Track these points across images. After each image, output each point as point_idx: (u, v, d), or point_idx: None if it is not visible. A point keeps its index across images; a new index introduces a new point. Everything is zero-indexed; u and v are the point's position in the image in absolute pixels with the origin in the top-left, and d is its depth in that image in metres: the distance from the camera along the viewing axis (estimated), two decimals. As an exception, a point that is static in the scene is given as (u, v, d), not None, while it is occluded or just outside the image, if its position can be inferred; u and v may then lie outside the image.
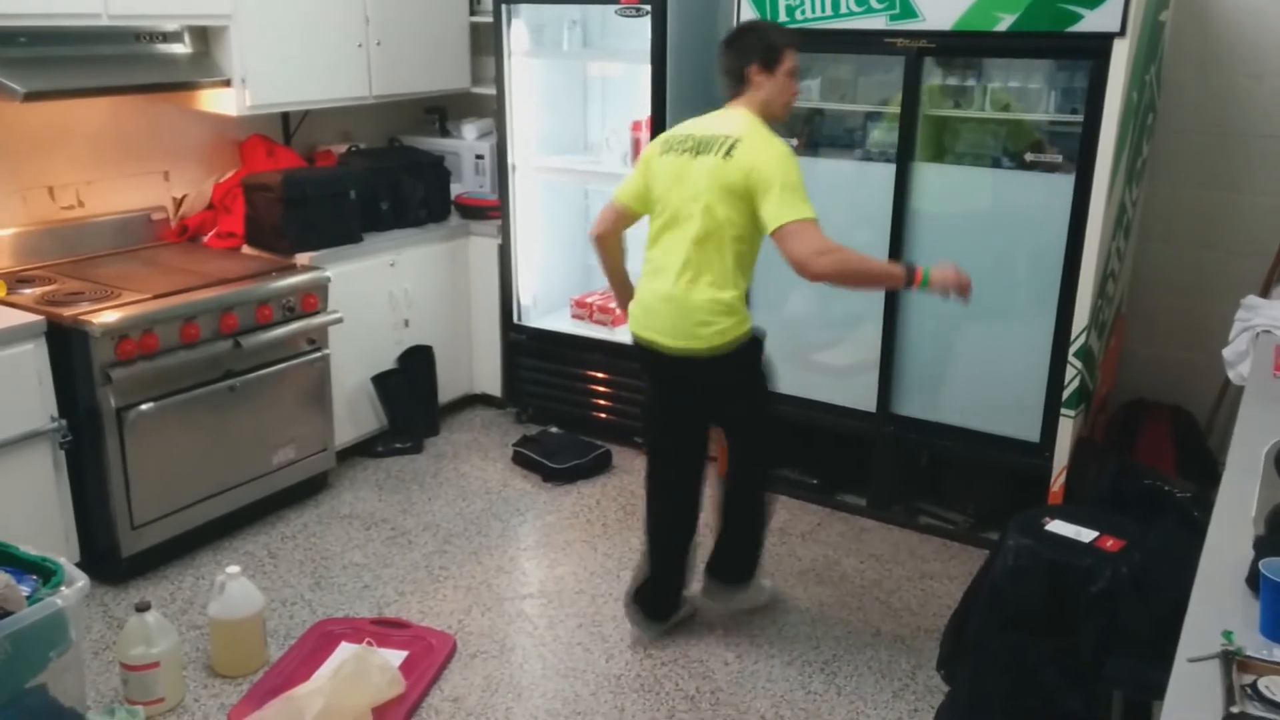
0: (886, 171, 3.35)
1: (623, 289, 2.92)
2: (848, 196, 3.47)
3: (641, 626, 2.94)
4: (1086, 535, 2.30)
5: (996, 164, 3.28)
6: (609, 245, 2.86)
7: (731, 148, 2.54)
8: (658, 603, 2.93)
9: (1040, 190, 3.19)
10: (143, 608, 2.55)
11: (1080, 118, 3.03)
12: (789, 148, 2.58)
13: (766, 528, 3.05)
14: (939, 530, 3.57)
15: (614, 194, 2.81)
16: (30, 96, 3.00)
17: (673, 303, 2.62)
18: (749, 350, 2.72)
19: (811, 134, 3.61)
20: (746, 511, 2.97)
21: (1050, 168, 3.16)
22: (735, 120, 2.63)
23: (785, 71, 2.66)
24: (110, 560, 3.09)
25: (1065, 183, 3.09)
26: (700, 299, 2.59)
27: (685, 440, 2.87)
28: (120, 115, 3.62)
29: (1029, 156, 3.20)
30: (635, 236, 2.83)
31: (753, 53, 2.65)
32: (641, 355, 2.77)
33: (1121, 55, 2.89)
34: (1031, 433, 3.30)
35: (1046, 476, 3.26)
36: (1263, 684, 1.33)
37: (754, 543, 3.02)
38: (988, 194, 3.30)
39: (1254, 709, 1.28)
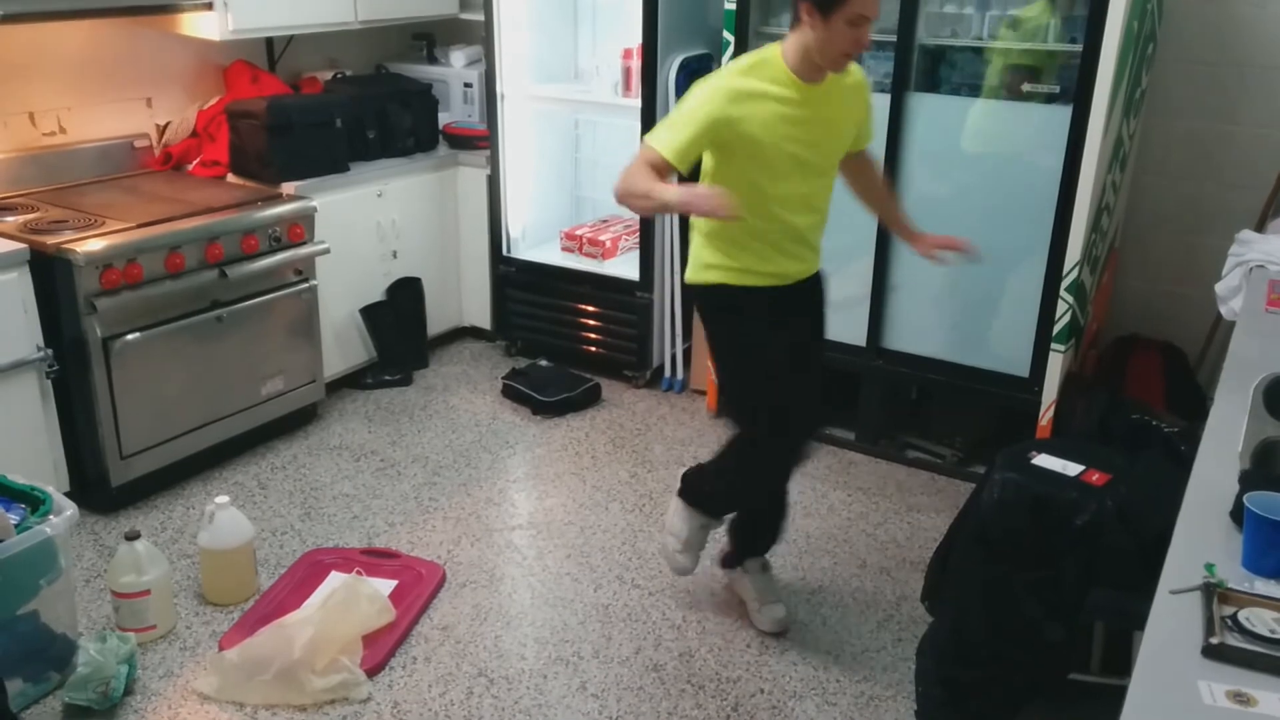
0: (880, 102, 3.29)
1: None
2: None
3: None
4: (1073, 469, 2.31)
5: (993, 95, 3.23)
6: None
7: None
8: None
9: (1037, 122, 3.14)
10: (132, 536, 2.56)
11: (1079, 47, 2.98)
12: (719, 81, 2.31)
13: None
14: (926, 464, 3.59)
15: None
16: (7, 19, 2.93)
17: None
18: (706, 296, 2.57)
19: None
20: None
21: (1047, 98, 3.12)
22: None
23: (845, 19, 2.18)
24: (100, 490, 3.10)
25: (1062, 114, 3.04)
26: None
27: None
28: (100, 39, 3.52)
29: (1026, 87, 3.15)
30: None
31: None
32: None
33: (1124, -18, 2.83)
34: (1021, 368, 3.30)
35: (1035, 411, 3.28)
36: (1243, 615, 1.34)
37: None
38: (983, 125, 3.25)
39: (1233, 639, 1.30)
